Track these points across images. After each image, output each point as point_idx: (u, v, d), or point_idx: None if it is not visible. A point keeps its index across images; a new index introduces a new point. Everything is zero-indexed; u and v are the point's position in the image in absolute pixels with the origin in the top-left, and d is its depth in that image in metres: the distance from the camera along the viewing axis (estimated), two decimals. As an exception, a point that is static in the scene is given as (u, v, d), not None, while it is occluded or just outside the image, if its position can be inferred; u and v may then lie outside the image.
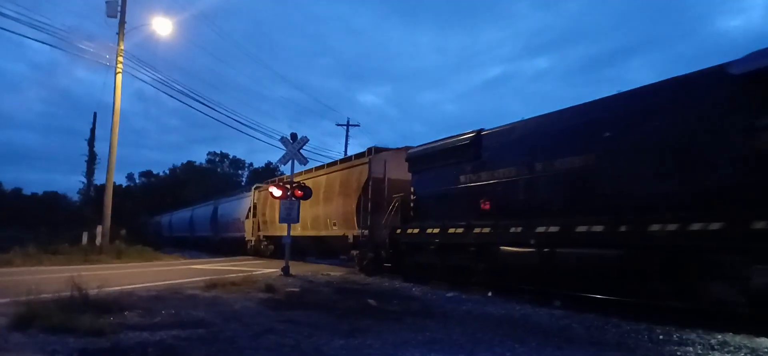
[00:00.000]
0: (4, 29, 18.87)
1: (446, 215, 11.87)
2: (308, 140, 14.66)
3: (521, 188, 10.08)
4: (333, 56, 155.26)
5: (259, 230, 25.06)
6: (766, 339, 5.87)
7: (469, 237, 10.92)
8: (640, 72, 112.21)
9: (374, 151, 16.23)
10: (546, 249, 9.19)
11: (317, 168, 20.50)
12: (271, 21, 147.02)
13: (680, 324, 6.66)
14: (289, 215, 14.14)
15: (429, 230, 12.21)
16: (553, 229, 9.03)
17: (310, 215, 18.74)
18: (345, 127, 38.02)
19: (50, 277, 10.78)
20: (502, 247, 10.11)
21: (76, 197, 40.26)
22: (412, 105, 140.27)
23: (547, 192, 9.57)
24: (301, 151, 14.52)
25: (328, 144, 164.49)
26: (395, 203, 14.16)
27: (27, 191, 59.15)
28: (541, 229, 9.24)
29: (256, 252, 24.96)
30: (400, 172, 14.77)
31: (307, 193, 14.62)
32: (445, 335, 5.93)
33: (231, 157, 74.44)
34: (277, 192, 14.59)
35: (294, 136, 14.48)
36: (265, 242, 24.29)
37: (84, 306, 6.32)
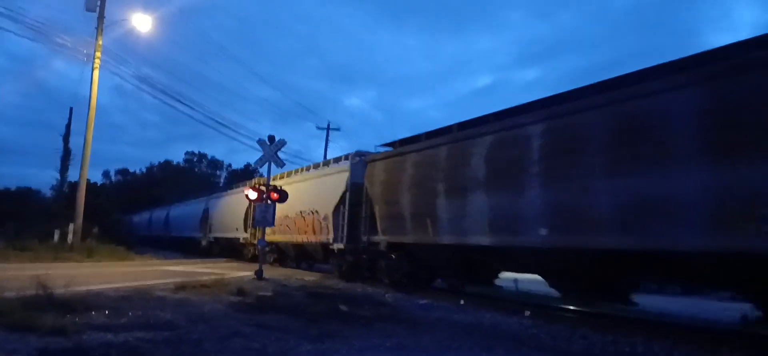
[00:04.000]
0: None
1: None
2: (285, 143, 14.61)
3: None
4: (320, 58, 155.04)
5: (367, 232, 14.38)
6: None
7: None
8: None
9: None
10: None
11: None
12: (257, 19, 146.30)
13: (649, 337, 6.79)
14: (265, 218, 14.07)
15: None
16: None
17: (619, 198, 7.61)
18: (325, 130, 37.88)
19: (16, 274, 10.54)
20: None
21: (49, 193, 39.34)
22: (398, 110, 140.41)
23: None
24: (278, 153, 14.46)
25: (310, 147, 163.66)
26: None
27: (-2, 186, 58.00)
28: None
29: (352, 272, 15.16)
30: None
31: (283, 197, 14.50)
32: (413, 341, 5.96)
33: (209, 157, 73.88)
34: (252, 195, 14.42)
35: (272, 138, 14.44)
36: (393, 257, 13.59)
37: (48, 305, 6.20)
